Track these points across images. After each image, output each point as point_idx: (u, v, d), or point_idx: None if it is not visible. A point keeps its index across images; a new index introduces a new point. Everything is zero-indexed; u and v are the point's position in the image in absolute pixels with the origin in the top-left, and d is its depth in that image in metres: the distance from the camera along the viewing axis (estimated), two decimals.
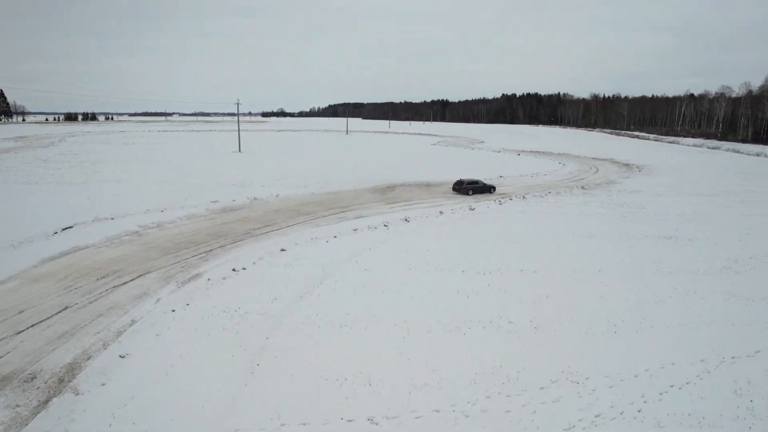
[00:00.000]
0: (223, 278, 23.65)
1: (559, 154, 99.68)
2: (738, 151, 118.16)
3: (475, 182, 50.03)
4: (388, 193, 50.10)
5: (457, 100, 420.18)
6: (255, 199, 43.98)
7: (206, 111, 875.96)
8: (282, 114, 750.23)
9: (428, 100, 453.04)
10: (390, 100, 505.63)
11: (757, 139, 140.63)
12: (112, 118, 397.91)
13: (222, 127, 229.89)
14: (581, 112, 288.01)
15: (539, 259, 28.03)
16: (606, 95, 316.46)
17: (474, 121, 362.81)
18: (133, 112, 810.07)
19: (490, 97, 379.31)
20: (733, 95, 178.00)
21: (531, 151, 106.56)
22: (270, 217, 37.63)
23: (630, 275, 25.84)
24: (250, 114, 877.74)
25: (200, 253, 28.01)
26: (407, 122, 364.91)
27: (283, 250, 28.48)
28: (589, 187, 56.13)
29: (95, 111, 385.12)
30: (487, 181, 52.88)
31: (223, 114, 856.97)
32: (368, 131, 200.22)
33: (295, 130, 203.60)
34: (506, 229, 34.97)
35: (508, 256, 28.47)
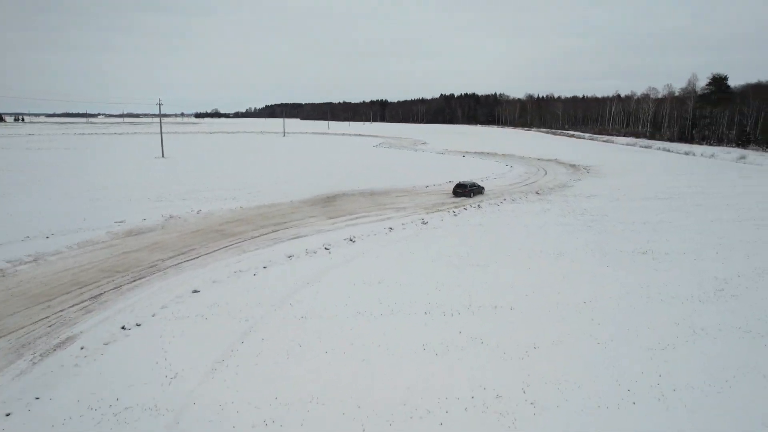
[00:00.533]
0: (105, 343, 17.24)
1: (503, 155, 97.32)
2: (669, 150, 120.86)
3: (474, 184, 50.64)
4: (329, 204, 44.38)
5: (396, 101, 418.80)
6: (171, 217, 36.99)
7: (135, 112, 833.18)
8: (216, 115, 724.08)
9: (367, 100, 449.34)
10: (329, 101, 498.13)
11: (682, 138, 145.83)
12: (23, 119, 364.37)
13: (150, 129, 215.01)
14: (518, 112, 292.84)
15: (512, 289, 23.33)
16: (540, 95, 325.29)
17: (413, 121, 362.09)
18: (51, 112, 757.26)
19: (428, 97, 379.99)
20: (659, 96, 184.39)
21: (475, 152, 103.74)
22: (186, 242, 31.02)
23: (621, 308, 21.58)
24: (182, 115, 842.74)
25: (84, 301, 21.31)
26: (347, 123, 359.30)
27: (195, 291, 22.25)
28: (543, 192, 52.80)
29: (2, 111, 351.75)
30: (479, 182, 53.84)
31: (153, 115, 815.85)
32: (306, 132, 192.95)
33: (228, 132, 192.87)
34: (467, 248, 30.21)
35: (475, 286, 23.59)
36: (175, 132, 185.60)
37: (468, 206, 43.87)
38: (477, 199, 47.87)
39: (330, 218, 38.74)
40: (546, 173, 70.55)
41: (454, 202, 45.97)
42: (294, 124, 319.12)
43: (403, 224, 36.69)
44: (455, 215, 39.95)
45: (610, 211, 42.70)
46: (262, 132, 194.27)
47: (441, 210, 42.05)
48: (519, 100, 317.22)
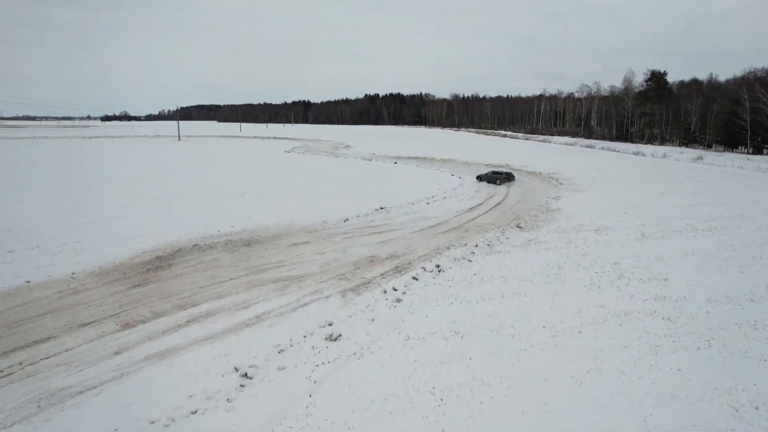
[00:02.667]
0: None
1: (443, 161, 78.72)
2: (615, 150, 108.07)
3: (500, 173, 50.61)
4: (150, 280, 22.40)
5: (320, 101, 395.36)
6: None
7: (31, 114, 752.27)
8: (126, 117, 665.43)
9: (289, 101, 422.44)
10: (249, 102, 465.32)
11: (620, 137, 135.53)
12: None
13: (24, 134, 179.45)
14: (445, 111, 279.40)
15: None
16: (466, 95, 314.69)
17: (338, 123, 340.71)
18: None
19: (353, 97, 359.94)
20: (591, 94, 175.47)
21: (409, 158, 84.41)
22: None
23: None
24: (89, 118, 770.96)
25: None
26: (264, 124, 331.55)
27: None
28: (526, 224, 33.74)
29: None
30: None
31: (55, 118, 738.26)
32: (213, 136, 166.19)
33: (112, 137, 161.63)
34: (442, 398, 9.90)
35: None
36: (44, 137, 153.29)
37: (416, 266, 23.75)
38: (424, 245, 27.94)
39: (125, 328, 17.09)
40: (509, 186, 52.13)
41: (391, 257, 25.67)
42: (205, 126, 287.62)
43: (304, 336, 15.92)
44: (397, 303, 19.51)
45: (642, 257, 24.34)
46: (157, 136, 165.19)
47: (371, 284, 21.61)
48: (445, 100, 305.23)
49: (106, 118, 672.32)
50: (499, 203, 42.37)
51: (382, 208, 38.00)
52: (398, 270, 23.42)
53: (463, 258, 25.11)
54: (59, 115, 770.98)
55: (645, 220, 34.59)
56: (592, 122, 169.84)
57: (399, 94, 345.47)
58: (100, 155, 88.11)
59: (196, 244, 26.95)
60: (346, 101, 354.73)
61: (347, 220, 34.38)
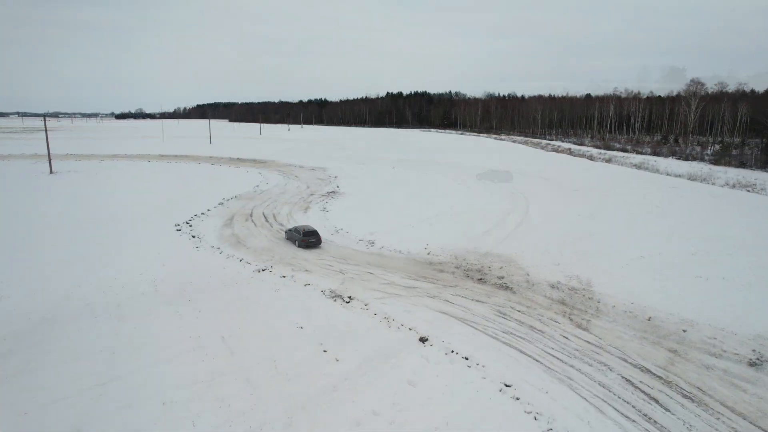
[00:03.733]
0: None
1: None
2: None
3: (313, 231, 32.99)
4: None
5: (337, 100, 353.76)
6: None
7: (63, 111, 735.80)
8: (141, 115, 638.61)
9: (305, 99, 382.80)
10: (266, 100, 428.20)
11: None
12: None
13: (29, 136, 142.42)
14: (480, 113, 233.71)
15: None
16: (502, 94, 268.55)
17: (355, 124, 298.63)
18: None
19: (373, 95, 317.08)
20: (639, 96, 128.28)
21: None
22: None
23: None
24: (99, 116, 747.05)
25: None
26: (279, 126, 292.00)
27: None
28: None
29: None
30: None
31: (72, 115, 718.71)
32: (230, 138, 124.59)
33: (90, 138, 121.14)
34: None
35: None
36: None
37: None
38: None
39: None
40: None
41: None
42: (217, 127, 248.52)
43: None
44: None
45: None
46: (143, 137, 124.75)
47: None
48: (479, 100, 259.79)
49: (121, 116, 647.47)
50: None
51: None
52: None
53: None
54: (79, 112, 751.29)
55: None
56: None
57: (425, 92, 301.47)
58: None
59: None
60: (366, 100, 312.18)
61: None
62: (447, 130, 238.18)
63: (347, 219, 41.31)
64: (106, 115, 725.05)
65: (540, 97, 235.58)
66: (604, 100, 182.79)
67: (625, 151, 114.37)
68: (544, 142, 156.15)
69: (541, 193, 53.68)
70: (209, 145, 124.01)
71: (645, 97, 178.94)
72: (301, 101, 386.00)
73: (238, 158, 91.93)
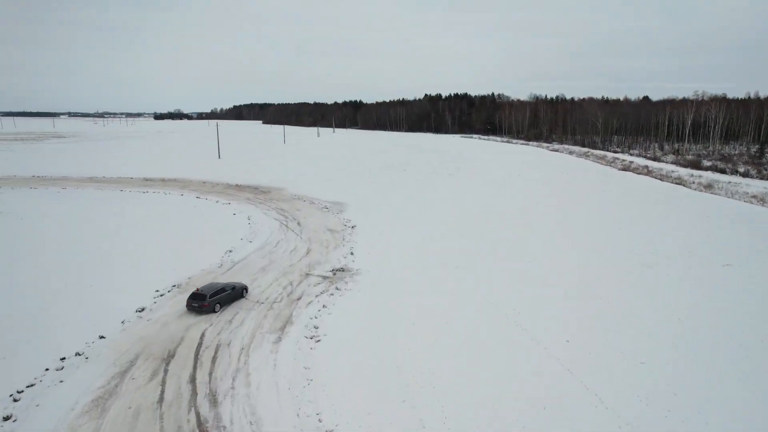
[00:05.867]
0: None
1: None
2: None
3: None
4: None
5: (373, 101, 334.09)
6: None
7: (111, 111, 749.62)
8: (178, 116, 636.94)
9: (339, 101, 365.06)
10: (302, 100, 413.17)
11: None
12: None
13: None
14: (527, 118, 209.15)
15: None
16: (550, 96, 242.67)
17: (391, 128, 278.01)
18: (10, 111, 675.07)
19: (411, 98, 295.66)
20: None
21: None
22: None
23: None
24: (141, 116, 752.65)
25: None
26: (309, 129, 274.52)
27: None
28: None
29: None
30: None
31: (117, 115, 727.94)
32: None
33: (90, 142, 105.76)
34: None
35: None
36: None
37: None
38: None
39: None
40: None
41: None
42: (241, 132, 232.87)
43: None
44: None
45: None
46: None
47: None
48: (526, 102, 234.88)
49: (159, 116, 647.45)
50: None
51: None
52: None
53: None
54: (120, 111, 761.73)
55: None
56: None
57: (466, 94, 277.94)
58: None
59: None
60: (402, 102, 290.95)
61: None
62: (491, 137, 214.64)
63: (350, 375, 20.88)
64: (148, 115, 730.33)
65: (592, 100, 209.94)
66: (675, 104, 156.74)
67: (720, 171, 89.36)
68: (609, 155, 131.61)
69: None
70: (216, 161, 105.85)
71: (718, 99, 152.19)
72: (336, 102, 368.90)
73: (237, 185, 72.66)
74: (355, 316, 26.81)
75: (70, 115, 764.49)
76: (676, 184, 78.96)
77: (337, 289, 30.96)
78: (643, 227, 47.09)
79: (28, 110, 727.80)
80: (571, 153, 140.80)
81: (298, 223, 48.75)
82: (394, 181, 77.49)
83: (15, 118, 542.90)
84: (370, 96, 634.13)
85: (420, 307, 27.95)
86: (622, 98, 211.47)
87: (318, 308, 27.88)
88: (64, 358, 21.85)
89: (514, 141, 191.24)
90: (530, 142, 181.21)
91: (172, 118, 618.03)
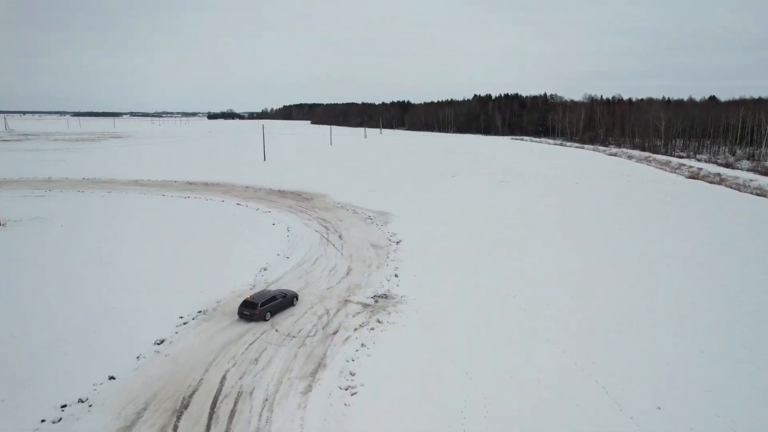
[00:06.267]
0: None
1: None
2: None
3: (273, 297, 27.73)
4: None
5: (421, 102, 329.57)
6: None
7: (169, 111, 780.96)
8: (231, 115, 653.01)
9: (387, 101, 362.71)
10: (350, 101, 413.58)
11: None
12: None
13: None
14: (583, 119, 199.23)
15: None
16: (606, 97, 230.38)
17: (439, 129, 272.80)
18: (75, 111, 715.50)
19: (459, 98, 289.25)
20: None
21: None
22: None
23: None
24: (196, 115, 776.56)
25: None
26: (355, 128, 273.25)
27: None
28: None
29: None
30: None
31: (175, 114, 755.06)
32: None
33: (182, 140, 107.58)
34: None
35: None
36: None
37: None
38: None
39: None
40: None
41: None
42: (295, 129, 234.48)
43: None
44: None
45: None
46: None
47: None
48: (582, 103, 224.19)
49: (212, 116, 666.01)
50: None
51: None
52: None
53: None
54: (178, 111, 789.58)
55: None
56: None
57: (516, 95, 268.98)
58: None
59: None
60: (451, 103, 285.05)
61: None
62: (543, 139, 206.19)
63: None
64: (203, 114, 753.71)
65: (653, 101, 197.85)
66: (750, 104, 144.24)
67: None
68: (674, 160, 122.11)
69: None
70: (261, 163, 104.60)
71: None
72: (383, 103, 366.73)
73: (279, 190, 70.36)
74: (397, 361, 22.99)
75: (132, 114, 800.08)
76: (757, 195, 70.76)
77: (378, 322, 27.25)
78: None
79: (94, 110, 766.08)
80: (630, 158, 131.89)
81: (340, 236, 45.46)
82: (443, 189, 73.23)
83: (81, 118, 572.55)
84: (417, 96, 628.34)
85: (477, 352, 23.81)
86: (685, 98, 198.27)
87: (356, 347, 24.25)
88: (65, 406, 19.13)
89: (568, 143, 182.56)
90: (585, 145, 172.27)
91: (224, 118, 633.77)
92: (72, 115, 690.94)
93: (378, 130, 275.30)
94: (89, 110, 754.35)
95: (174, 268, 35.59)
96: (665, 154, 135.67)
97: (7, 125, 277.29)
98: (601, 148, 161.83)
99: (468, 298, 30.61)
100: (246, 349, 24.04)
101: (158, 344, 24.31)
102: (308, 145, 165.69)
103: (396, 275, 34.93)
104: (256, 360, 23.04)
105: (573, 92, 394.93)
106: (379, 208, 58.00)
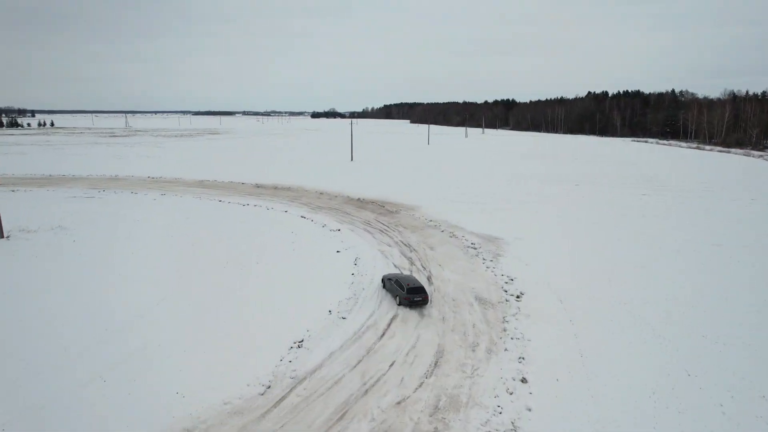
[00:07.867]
0: None
1: None
2: None
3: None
4: None
5: (527, 101, 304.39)
6: None
7: (277, 110, 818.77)
8: (332, 114, 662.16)
9: (490, 99, 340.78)
10: (452, 99, 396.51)
11: None
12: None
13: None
14: (726, 119, 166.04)
15: None
16: (753, 92, 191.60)
17: (546, 129, 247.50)
18: (195, 110, 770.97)
19: (570, 96, 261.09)
20: None
21: None
22: None
23: None
24: (302, 114, 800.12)
25: None
26: (435, 126, 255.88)
27: None
28: None
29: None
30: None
31: (283, 113, 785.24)
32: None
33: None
34: None
35: None
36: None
37: None
38: None
39: None
40: None
41: None
42: (392, 127, 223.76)
43: None
44: None
45: None
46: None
47: None
48: (723, 100, 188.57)
49: (315, 115, 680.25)
50: None
51: None
52: None
53: None
54: (285, 110, 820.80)
55: None
56: None
57: (638, 92, 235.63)
58: None
59: None
60: (561, 101, 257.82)
61: None
62: (672, 141, 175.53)
63: None
64: (307, 113, 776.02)
65: None
66: None
67: None
68: None
69: None
70: (347, 163, 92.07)
71: None
72: (486, 101, 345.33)
73: (359, 199, 56.49)
74: None
75: (244, 113, 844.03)
76: None
77: None
78: None
79: (212, 110, 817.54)
80: None
81: (428, 278, 30.20)
82: (568, 202, 55.25)
83: (197, 116, 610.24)
84: (523, 95, 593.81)
85: None
86: None
87: None
88: None
89: (706, 147, 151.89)
90: (731, 149, 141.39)
91: (327, 117, 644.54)
92: (193, 114, 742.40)
93: (480, 129, 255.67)
94: (208, 109, 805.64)
95: (165, 354, 22.19)
96: None
97: (127, 123, 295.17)
98: (755, 152, 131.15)
99: None
100: None
101: None
102: (403, 144, 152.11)
103: (523, 379, 19.01)
104: None
105: (707, 89, 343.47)
106: (485, 230, 41.88)
